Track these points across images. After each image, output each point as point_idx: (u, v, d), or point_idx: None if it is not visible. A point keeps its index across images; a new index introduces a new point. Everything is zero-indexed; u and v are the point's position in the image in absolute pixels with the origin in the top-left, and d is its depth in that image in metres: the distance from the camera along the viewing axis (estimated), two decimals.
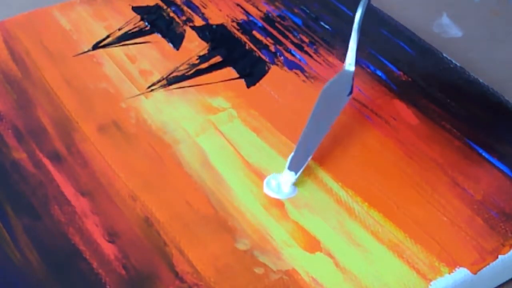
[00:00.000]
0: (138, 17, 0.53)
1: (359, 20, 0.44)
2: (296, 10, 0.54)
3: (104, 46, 0.50)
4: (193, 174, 0.41)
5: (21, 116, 0.44)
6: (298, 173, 0.41)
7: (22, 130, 0.43)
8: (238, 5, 0.55)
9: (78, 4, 0.54)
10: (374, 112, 0.46)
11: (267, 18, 0.53)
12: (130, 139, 0.43)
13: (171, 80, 0.47)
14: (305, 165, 0.41)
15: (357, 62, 0.49)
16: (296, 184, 0.41)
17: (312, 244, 0.38)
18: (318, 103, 0.43)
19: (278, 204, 0.40)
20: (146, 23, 0.52)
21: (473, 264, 0.37)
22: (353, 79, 0.44)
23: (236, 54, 0.50)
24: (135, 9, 0.53)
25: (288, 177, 0.41)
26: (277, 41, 0.51)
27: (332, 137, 0.44)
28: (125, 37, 0.51)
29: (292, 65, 0.49)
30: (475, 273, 0.37)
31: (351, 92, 0.44)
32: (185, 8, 0.54)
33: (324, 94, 0.44)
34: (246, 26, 0.52)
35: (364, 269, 0.37)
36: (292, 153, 0.42)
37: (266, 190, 0.40)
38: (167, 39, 0.51)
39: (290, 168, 0.41)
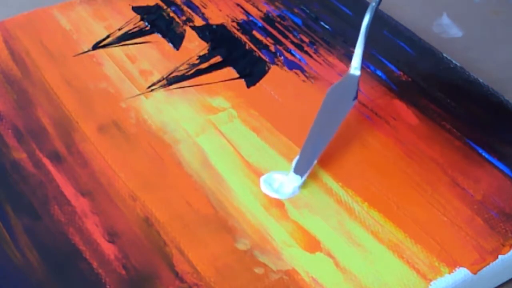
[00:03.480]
0: (138, 17, 0.53)
1: (367, 25, 0.44)
2: (296, 10, 0.54)
3: (104, 46, 0.50)
4: (193, 174, 0.41)
5: (21, 116, 0.44)
6: (304, 177, 0.41)
7: (22, 130, 0.43)
8: (238, 5, 0.55)
9: (78, 4, 0.54)
10: (374, 112, 0.46)
11: (267, 18, 0.53)
12: (130, 139, 0.43)
13: (171, 80, 0.47)
14: (311, 168, 0.41)
15: None
16: (298, 185, 0.41)
17: (312, 244, 0.38)
18: (323, 106, 0.43)
19: (278, 204, 0.40)
20: (146, 23, 0.52)
21: (473, 264, 0.37)
22: (358, 83, 0.44)
23: (236, 54, 0.50)
24: (135, 9, 0.53)
25: (294, 181, 0.41)
26: (277, 41, 0.51)
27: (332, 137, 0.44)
28: (125, 37, 0.51)
29: (292, 65, 0.49)
30: (475, 273, 0.37)
31: (356, 97, 0.44)
32: (185, 8, 0.54)
33: (329, 97, 0.44)
34: (246, 26, 0.52)
35: (364, 269, 0.37)
36: (297, 157, 0.41)
37: (265, 190, 0.40)
38: (167, 39, 0.51)
39: (296, 171, 0.41)
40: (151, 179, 0.41)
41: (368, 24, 0.44)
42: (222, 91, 0.47)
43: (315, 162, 0.41)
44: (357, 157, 0.43)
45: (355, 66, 0.45)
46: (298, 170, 0.41)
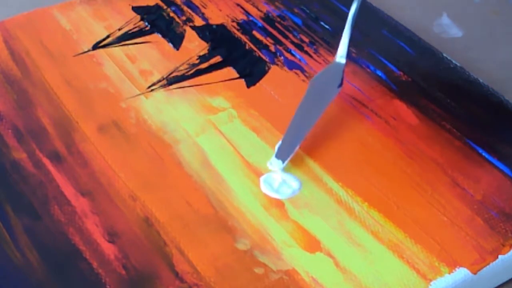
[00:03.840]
0: (138, 17, 0.53)
1: (353, 15, 0.45)
2: (296, 10, 0.54)
3: (104, 46, 0.50)
4: (193, 174, 0.41)
5: (21, 116, 0.44)
6: (285, 162, 0.41)
7: (22, 130, 0.43)
8: (238, 5, 0.55)
9: (78, 4, 0.54)
10: (374, 112, 0.46)
11: (267, 18, 0.53)
12: (130, 139, 0.43)
13: (171, 80, 0.47)
14: (292, 154, 0.41)
15: (357, 62, 0.49)
16: (298, 185, 0.41)
17: (312, 244, 0.38)
18: (307, 94, 0.44)
19: (278, 204, 0.40)
20: (146, 23, 0.52)
21: (473, 264, 0.37)
22: (343, 71, 0.44)
23: (236, 54, 0.50)
24: (135, 9, 0.53)
25: (275, 166, 0.41)
26: (277, 41, 0.51)
27: (332, 137, 0.44)
28: (125, 37, 0.51)
29: (292, 65, 0.49)
30: (475, 273, 0.37)
31: (341, 84, 0.44)
32: (185, 8, 0.54)
33: (313, 84, 0.44)
34: (246, 26, 0.52)
35: (364, 269, 0.37)
36: (280, 142, 0.42)
37: (265, 190, 0.40)
38: (167, 39, 0.51)
39: (278, 156, 0.41)
40: (151, 179, 0.41)
41: (355, 13, 0.45)
42: (222, 91, 0.47)
43: (298, 147, 0.42)
44: (357, 157, 0.43)
45: (340, 55, 0.45)
46: (280, 155, 0.41)
